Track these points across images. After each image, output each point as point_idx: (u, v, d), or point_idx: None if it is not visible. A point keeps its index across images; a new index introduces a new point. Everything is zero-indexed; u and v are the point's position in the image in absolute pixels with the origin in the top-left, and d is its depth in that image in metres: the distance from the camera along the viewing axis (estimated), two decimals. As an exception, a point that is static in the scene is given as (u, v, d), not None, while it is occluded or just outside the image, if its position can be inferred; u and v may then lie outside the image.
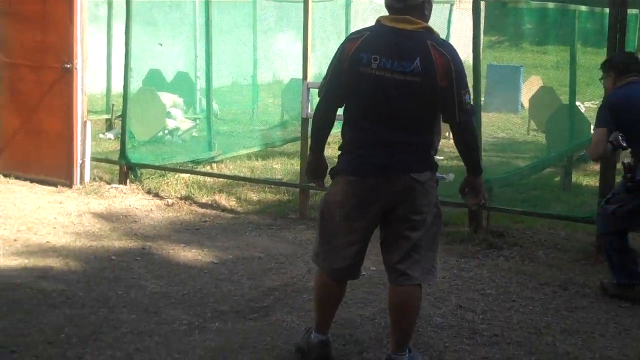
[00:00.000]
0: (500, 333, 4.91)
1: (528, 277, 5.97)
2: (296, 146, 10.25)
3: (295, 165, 9.29)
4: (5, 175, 8.52)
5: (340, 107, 4.19)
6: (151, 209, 7.65)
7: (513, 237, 6.87)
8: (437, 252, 4.24)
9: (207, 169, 9.13)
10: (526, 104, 13.53)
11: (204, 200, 7.95)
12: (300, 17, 7.48)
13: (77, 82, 8.14)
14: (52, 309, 5.07)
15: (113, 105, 11.63)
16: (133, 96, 8.81)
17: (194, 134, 11.22)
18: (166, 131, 10.70)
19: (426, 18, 4.09)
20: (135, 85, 9.71)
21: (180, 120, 11.05)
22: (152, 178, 8.55)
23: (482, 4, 7.27)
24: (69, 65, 8.09)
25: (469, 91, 4.03)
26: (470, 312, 5.24)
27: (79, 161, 8.26)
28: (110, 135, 11.15)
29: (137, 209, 7.64)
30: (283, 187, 8.30)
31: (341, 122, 4.20)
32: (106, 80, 12.02)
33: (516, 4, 10.55)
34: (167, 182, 8.38)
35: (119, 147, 8.79)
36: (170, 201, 7.87)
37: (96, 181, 8.39)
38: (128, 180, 8.39)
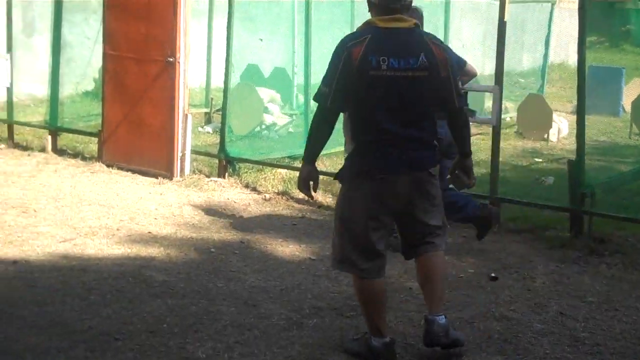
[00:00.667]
0: (602, 342, 4.79)
1: (631, 286, 5.81)
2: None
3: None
4: (108, 166, 8.75)
5: (344, 112, 4.44)
6: (249, 203, 7.73)
7: (615, 243, 6.68)
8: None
9: (304, 164, 9.15)
10: (628, 107, 13.16)
11: (300, 196, 7.98)
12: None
13: (179, 75, 8.28)
14: (154, 298, 5.19)
15: (212, 99, 11.80)
16: (232, 91, 8.91)
17: (290, 129, 11.28)
18: (263, 126, 10.79)
19: (412, 14, 4.54)
20: (233, 80, 9.80)
21: (277, 116, 11.14)
22: (250, 172, 8.64)
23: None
24: (172, 59, 8.24)
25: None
26: (571, 319, 5.13)
27: (179, 154, 8.40)
28: (208, 128, 11.31)
29: (235, 202, 7.73)
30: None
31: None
32: (206, 74, 12.19)
33: (623, 4, 10.27)
34: (265, 177, 8.44)
35: (217, 141, 8.91)
36: (267, 196, 7.94)
37: (195, 174, 8.52)
38: (227, 174, 8.50)
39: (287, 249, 6.43)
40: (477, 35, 14.81)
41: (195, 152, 8.76)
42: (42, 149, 9.55)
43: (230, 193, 8.02)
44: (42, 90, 11.83)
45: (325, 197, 7.97)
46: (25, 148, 9.67)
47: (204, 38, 12.02)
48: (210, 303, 5.14)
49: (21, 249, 6.06)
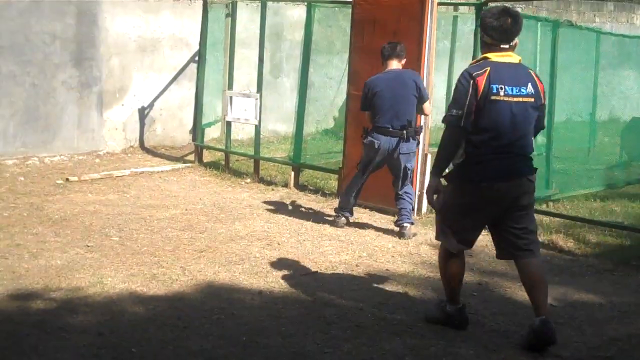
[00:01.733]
0: None
1: None
2: (638, 188, 9.75)
3: (637, 208, 8.82)
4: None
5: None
6: (486, 244, 7.52)
7: None
8: None
9: (544, 207, 8.93)
10: None
11: (540, 239, 7.74)
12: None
13: (420, 117, 8.34)
14: (393, 336, 5.21)
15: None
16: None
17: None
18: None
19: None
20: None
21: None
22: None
23: None
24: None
25: None
26: None
27: (418, 192, 8.45)
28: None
29: (472, 243, 7.64)
30: (625, 231, 7.89)
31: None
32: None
33: None
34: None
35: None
36: (505, 238, 7.78)
37: (432, 213, 8.50)
38: (463, 214, 8.42)
39: (526, 293, 6.24)
40: None
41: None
42: (285, 184, 9.94)
43: (468, 234, 7.94)
44: (285, 128, 12.37)
45: (566, 241, 7.71)
46: (269, 183, 10.10)
47: (444, 78, 12.07)
48: (448, 344, 5.10)
49: (266, 280, 6.31)
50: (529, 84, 5.03)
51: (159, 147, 12.28)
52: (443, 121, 5.11)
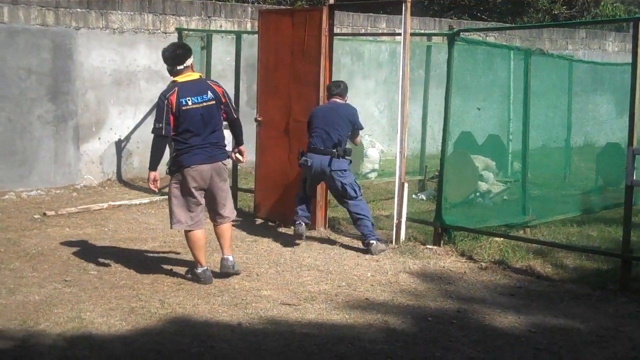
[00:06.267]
0: None
1: None
2: (613, 213, 9.83)
3: (614, 233, 8.90)
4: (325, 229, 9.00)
5: None
6: (465, 272, 7.65)
7: None
8: None
9: (521, 233, 8.99)
10: None
11: (518, 265, 7.82)
12: (615, 81, 7.20)
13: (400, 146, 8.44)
14: (373, 365, 5.21)
15: (426, 166, 11.86)
16: (447, 158, 8.92)
17: (505, 197, 11.11)
18: (477, 194, 10.69)
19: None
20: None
21: (491, 183, 11.01)
22: (465, 240, 8.57)
23: None
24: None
25: None
26: None
27: (396, 221, 8.49)
28: (422, 196, 11.35)
29: (450, 270, 7.68)
30: (602, 255, 7.96)
31: None
32: (420, 142, 12.29)
33: None
34: (481, 245, 8.35)
35: (430, 208, 8.90)
36: (483, 264, 7.84)
37: (411, 241, 8.56)
38: (442, 242, 8.47)
39: (506, 319, 6.29)
40: None
41: (410, 219, 8.81)
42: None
43: (446, 261, 7.98)
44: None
45: (544, 267, 7.76)
46: (247, 214, 10.08)
47: (419, 107, 12.14)
48: (429, 373, 5.11)
49: (245, 312, 6.30)
50: (209, 91, 6.96)
51: (136, 180, 12.25)
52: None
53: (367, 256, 8.10)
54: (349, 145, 8.66)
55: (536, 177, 12.24)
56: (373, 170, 12.72)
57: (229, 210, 7.25)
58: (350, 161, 8.57)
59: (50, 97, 11.39)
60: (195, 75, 7.06)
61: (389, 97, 15.31)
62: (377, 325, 6.07)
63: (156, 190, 7.21)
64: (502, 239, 8.53)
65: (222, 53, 12.48)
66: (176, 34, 11.99)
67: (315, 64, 9.02)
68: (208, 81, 7.19)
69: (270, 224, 9.50)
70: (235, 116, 7.25)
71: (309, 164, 8.43)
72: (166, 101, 6.84)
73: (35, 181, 11.30)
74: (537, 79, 10.86)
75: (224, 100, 7.07)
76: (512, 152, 11.89)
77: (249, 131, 11.79)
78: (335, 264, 7.82)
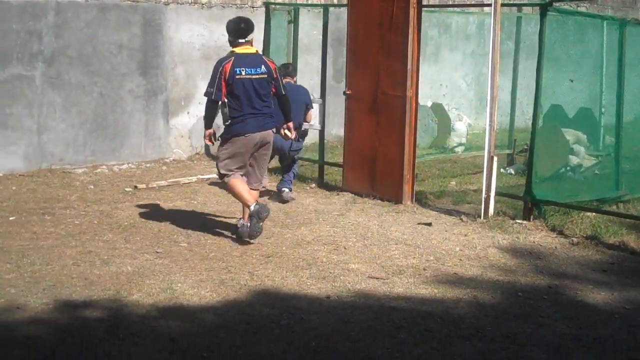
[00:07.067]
0: None
1: None
2: None
3: None
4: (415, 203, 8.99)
5: None
6: (555, 247, 7.51)
7: None
8: None
9: (614, 208, 8.78)
10: None
11: (611, 241, 7.64)
12: None
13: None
14: (463, 340, 5.18)
15: (515, 140, 11.67)
16: (537, 132, 8.74)
17: (596, 171, 10.85)
18: (568, 168, 10.47)
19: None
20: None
21: (582, 157, 10.77)
22: (555, 215, 8.41)
23: None
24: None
25: None
26: None
27: (484, 195, 8.39)
28: (511, 170, 11.18)
29: (541, 245, 7.55)
30: (699, 232, 7.71)
31: None
32: (510, 115, 12.10)
33: None
34: (572, 220, 8.18)
35: (519, 182, 8.76)
36: (575, 240, 7.68)
37: (500, 216, 8.44)
38: (532, 216, 8.33)
39: (599, 296, 6.16)
40: None
41: (499, 193, 8.68)
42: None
43: (536, 236, 7.84)
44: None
45: (637, 243, 7.56)
46: (333, 187, 10.10)
47: (509, 79, 11.94)
48: (520, 349, 5.05)
49: (333, 285, 6.32)
50: (263, 66, 7.42)
51: (224, 154, 12.37)
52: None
53: (456, 230, 8.02)
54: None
55: (629, 152, 11.92)
56: (460, 144, 12.61)
57: (260, 179, 7.78)
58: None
59: (140, 72, 11.57)
60: (252, 50, 7.54)
61: (477, 70, 15.10)
62: (466, 300, 6.02)
63: (212, 144, 7.75)
64: (594, 214, 8.35)
65: (309, 27, 12.47)
66: (264, 8, 12.02)
67: (403, 36, 8.93)
68: (263, 57, 7.73)
69: (357, 197, 9.48)
70: (284, 92, 7.64)
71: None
72: (221, 68, 7.29)
73: (126, 155, 11.53)
74: (631, 49, 10.55)
75: (275, 75, 7.52)
76: (604, 125, 11.60)
77: (336, 105, 11.85)
78: (423, 238, 7.77)
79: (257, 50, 7.67)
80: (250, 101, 7.39)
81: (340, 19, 12.23)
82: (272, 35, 11.62)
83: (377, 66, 9.28)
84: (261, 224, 7.41)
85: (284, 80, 8.66)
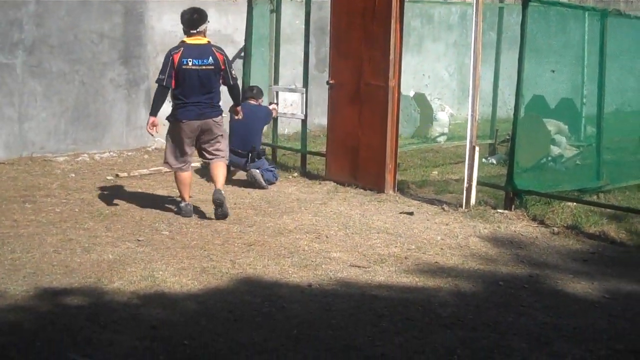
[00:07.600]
0: None
1: None
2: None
3: (691, 199, 8.69)
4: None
5: None
6: (536, 237, 7.55)
7: None
8: None
9: (594, 198, 8.83)
10: None
11: (591, 231, 7.68)
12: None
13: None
14: (444, 329, 5.20)
15: (497, 130, 11.71)
16: (519, 122, 8.78)
17: (578, 162, 10.91)
18: (549, 158, 10.52)
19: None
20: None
21: (564, 148, 10.82)
22: (536, 205, 8.45)
23: None
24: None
25: None
26: None
27: (466, 185, 8.41)
28: (492, 160, 11.22)
29: (522, 235, 7.59)
30: (679, 222, 7.77)
31: None
32: (491, 105, 12.12)
33: None
34: (553, 210, 8.23)
35: (500, 172, 8.79)
36: (556, 229, 7.72)
37: (481, 205, 8.47)
38: (513, 206, 8.37)
39: (579, 285, 6.20)
40: None
41: (480, 183, 8.71)
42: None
43: (518, 225, 7.88)
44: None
45: (618, 233, 7.61)
46: (316, 177, 10.10)
47: (491, 70, 11.96)
48: (501, 337, 5.07)
49: (315, 273, 6.32)
50: (210, 57, 7.75)
51: (206, 143, 12.34)
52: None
53: (437, 220, 8.05)
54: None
55: (610, 142, 11.98)
56: (442, 134, 12.63)
57: (221, 152, 8.11)
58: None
59: (122, 61, 11.52)
60: (203, 41, 7.85)
61: (459, 61, 15.12)
62: (447, 288, 6.04)
63: (153, 134, 8.08)
64: (574, 203, 8.39)
65: (291, 16, 12.44)
66: (245, -2, 11.98)
67: (385, 26, 8.94)
68: (213, 47, 7.90)
69: (339, 186, 9.49)
70: (232, 83, 8.00)
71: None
72: (171, 57, 7.71)
73: (107, 143, 11.48)
74: (612, 41, 10.60)
75: (222, 67, 7.85)
76: (585, 115, 11.66)
77: (319, 94, 11.83)
78: (405, 227, 7.79)
79: (208, 41, 7.92)
80: (193, 90, 7.74)
81: (322, 8, 12.21)
82: (254, 25, 11.56)
83: (360, 56, 9.28)
84: (222, 208, 7.83)
85: (250, 102, 9.74)
